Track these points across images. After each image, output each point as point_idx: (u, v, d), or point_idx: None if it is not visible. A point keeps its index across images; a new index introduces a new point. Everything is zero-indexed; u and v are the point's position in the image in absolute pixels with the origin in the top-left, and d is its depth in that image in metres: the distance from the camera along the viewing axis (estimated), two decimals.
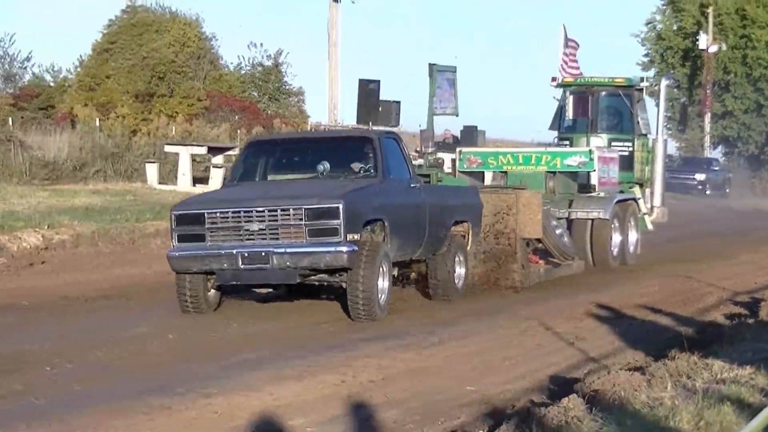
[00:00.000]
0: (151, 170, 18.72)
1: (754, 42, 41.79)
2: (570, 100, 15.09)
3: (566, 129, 15.31)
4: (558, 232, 12.60)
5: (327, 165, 9.61)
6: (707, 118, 41.93)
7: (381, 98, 19.60)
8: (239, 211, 9.18)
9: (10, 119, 22.57)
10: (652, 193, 15.05)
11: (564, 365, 7.67)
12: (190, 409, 5.84)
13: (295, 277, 9.05)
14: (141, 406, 5.78)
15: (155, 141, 23.32)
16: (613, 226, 13.71)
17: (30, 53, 32.99)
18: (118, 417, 5.51)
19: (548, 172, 13.66)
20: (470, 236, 11.07)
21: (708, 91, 41.46)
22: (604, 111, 14.94)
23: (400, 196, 10.05)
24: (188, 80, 29.04)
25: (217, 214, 9.20)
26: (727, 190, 39.52)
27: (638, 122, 14.82)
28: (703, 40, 40.52)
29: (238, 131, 21.23)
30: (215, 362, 7.42)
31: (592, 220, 13.50)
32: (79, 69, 30.40)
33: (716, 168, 41.13)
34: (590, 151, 13.64)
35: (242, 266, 9.00)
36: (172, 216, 9.58)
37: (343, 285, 9.07)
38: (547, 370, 7.37)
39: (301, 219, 8.86)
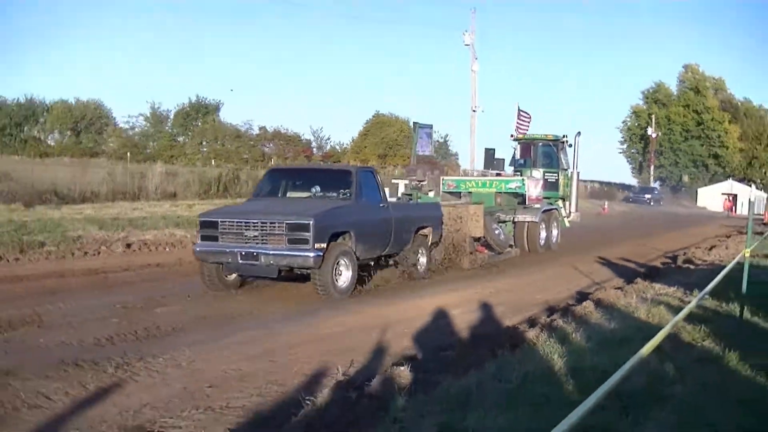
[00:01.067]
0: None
1: (674, 132, 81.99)
2: (519, 148, 22.55)
3: (518, 165, 22.42)
4: (497, 232, 18.28)
5: (318, 188, 12.98)
6: (652, 167, 79.92)
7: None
8: (241, 222, 11.61)
9: None
10: (569, 204, 22.38)
11: (583, 286, 13.79)
12: (400, 304, 11.49)
13: (275, 272, 11.46)
14: (365, 307, 11.57)
15: (389, 178, 30.60)
16: (541, 226, 20.24)
17: (329, 136, 67.85)
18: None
19: (497, 192, 20.07)
20: (431, 235, 14.76)
21: (652, 155, 79.69)
22: (541, 155, 21.95)
23: (367, 214, 12.77)
24: (403, 149, 59.70)
25: (227, 222, 11.73)
26: (661, 203, 68.73)
27: (562, 162, 22.04)
28: (650, 130, 78.13)
29: (426, 173, 28.48)
30: (413, 291, 13.07)
31: (528, 222, 20.01)
32: (351, 143, 68.04)
33: (656, 192, 73.32)
34: (522, 179, 20.34)
35: (240, 261, 11.52)
36: (199, 221, 12.38)
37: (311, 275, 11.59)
38: (574, 289, 13.43)
39: (283, 230, 11.23)
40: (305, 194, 13.15)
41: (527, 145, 22.31)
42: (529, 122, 25.95)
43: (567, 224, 22.42)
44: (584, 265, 17.01)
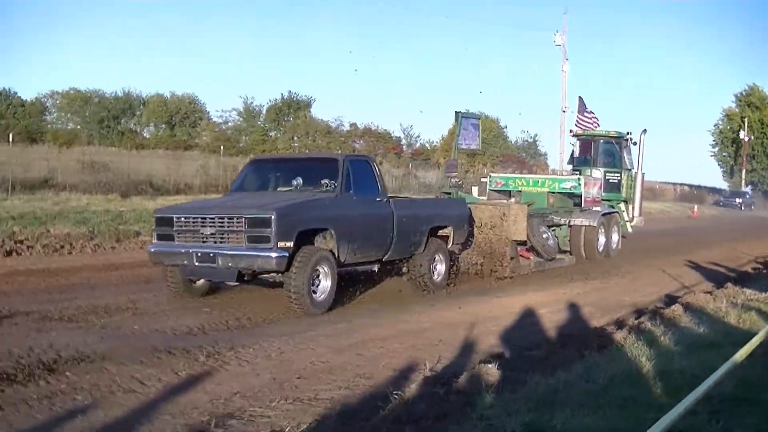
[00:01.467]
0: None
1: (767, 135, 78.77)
2: (579, 145, 21.03)
3: (578, 163, 20.84)
4: (545, 236, 15.81)
5: (300, 180, 11.02)
6: (743, 171, 77.53)
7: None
8: (197, 218, 10.05)
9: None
10: (632, 208, 20.38)
11: (672, 289, 13.36)
12: (486, 302, 11.44)
13: (234, 276, 9.82)
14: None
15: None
16: (600, 231, 18.30)
17: (419, 134, 65.69)
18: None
19: (549, 192, 18.44)
20: (453, 238, 12.76)
21: (744, 158, 77.55)
22: (602, 153, 20.36)
23: (356, 209, 10.83)
24: (491, 147, 55.93)
25: (182, 219, 10.18)
26: (753, 208, 66.76)
27: (625, 161, 20.34)
28: (742, 134, 76.16)
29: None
30: (499, 290, 13.13)
31: (584, 226, 18.00)
32: (440, 141, 60.86)
33: (747, 196, 71.66)
34: (578, 178, 18.42)
35: (196, 264, 9.87)
36: (154, 217, 10.85)
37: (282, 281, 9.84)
38: (663, 292, 13.00)
39: (241, 227, 9.63)
40: (287, 188, 11.31)
41: (587, 142, 20.85)
42: (593, 120, 23.58)
43: (629, 229, 20.55)
44: (673, 268, 16.36)
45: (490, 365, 6.80)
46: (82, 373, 6.53)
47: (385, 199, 11.52)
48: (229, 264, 9.70)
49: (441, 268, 12.47)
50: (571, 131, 22.25)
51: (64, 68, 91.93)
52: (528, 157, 61.05)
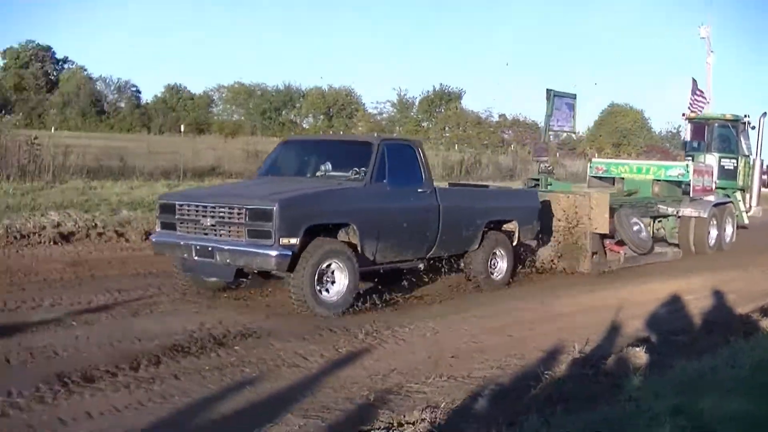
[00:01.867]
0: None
1: None
2: (691, 128, 19.20)
3: (690, 149, 19.00)
4: (635, 228, 14.04)
5: (329, 166, 9.82)
6: None
7: None
8: (199, 206, 8.94)
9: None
10: (750, 197, 18.45)
11: None
12: (631, 288, 11.24)
13: (232, 275, 8.72)
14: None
15: None
16: (711, 223, 16.37)
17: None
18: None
19: (655, 179, 16.66)
20: (519, 233, 11.33)
21: None
22: (716, 137, 18.32)
23: (389, 201, 9.48)
24: (636, 137, 62.10)
25: (184, 207, 9.11)
26: None
27: (742, 146, 18.36)
28: None
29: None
30: (645, 276, 13.06)
31: (694, 218, 16.13)
32: (586, 132, 65.57)
33: None
34: (687, 165, 16.58)
35: (196, 258, 8.83)
36: (158, 204, 9.67)
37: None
38: None
39: (242, 219, 8.44)
40: (315, 174, 10.09)
41: (700, 125, 18.82)
42: (702, 101, 21.30)
43: (746, 220, 18.50)
44: None
45: (637, 348, 6.85)
46: (249, 348, 6.94)
47: (429, 191, 9.99)
48: (227, 260, 8.51)
49: (502, 265, 11.08)
50: (683, 114, 20.26)
51: (229, 63, 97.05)
52: (672, 147, 58.84)
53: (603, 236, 12.92)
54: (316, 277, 8.43)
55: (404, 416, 5.19)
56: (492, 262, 10.94)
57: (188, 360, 6.50)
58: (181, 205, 9.14)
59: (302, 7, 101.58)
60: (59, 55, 70.69)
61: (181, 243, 8.96)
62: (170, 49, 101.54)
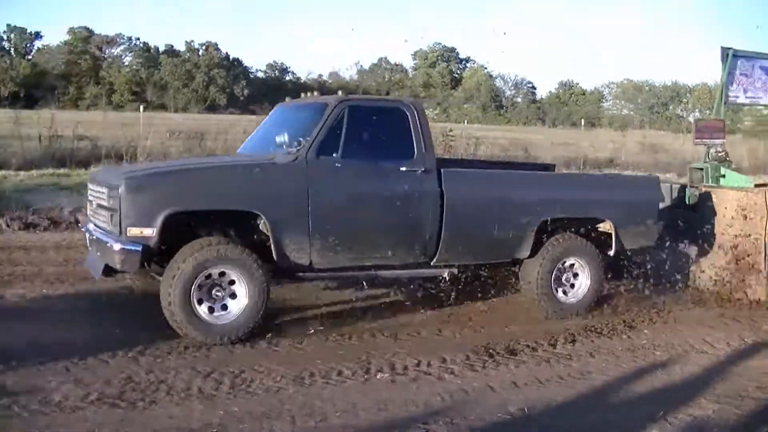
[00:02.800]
0: None
1: None
2: None
3: None
4: None
5: (286, 137, 7.12)
6: None
7: None
8: (89, 187, 7.44)
9: None
10: None
11: None
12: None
13: (99, 271, 6.77)
14: None
15: None
16: None
17: None
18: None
19: None
20: (624, 239, 8.17)
21: None
22: None
23: (337, 182, 6.92)
24: None
25: (89, 189, 7.43)
26: None
27: None
28: None
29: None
30: None
31: None
32: None
33: None
34: None
35: (90, 248, 7.31)
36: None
37: None
38: None
39: (106, 202, 6.64)
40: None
41: None
42: None
43: None
44: None
45: None
46: (657, 332, 7.38)
47: (421, 170, 7.19)
48: (98, 253, 6.86)
49: (582, 282, 8.03)
50: None
51: (620, 61, 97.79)
52: None
53: None
54: (193, 290, 6.35)
55: None
56: (563, 278, 8.02)
57: (601, 340, 7.08)
58: (89, 185, 7.51)
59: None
60: (462, 55, 79.65)
61: (83, 229, 7.70)
62: (563, 48, 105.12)
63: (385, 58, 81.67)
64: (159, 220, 6.27)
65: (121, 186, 6.31)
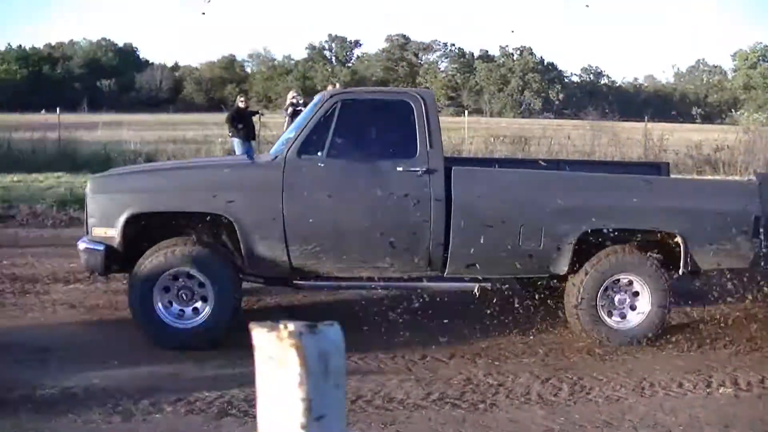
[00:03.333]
0: None
1: None
2: None
3: None
4: None
5: (293, 134, 6.75)
6: None
7: None
8: None
9: None
10: None
11: None
12: None
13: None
14: None
15: None
16: None
17: None
18: None
19: None
20: (686, 254, 6.49)
21: None
22: None
23: (315, 184, 6.28)
24: None
25: None
26: None
27: None
28: None
29: None
30: None
31: None
32: None
33: None
34: None
35: None
36: None
37: None
38: None
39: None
40: None
41: None
42: None
43: None
44: None
45: None
46: None
47: (423, 169, 6.32)
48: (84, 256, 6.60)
49: (642, 305, 6.58)
50: None
51: None
52: None
53: None
54: (156, 293, 6.14)
55: None
56: (615, 299, 6.63)
57: None
58: None
59: None
60: None
61: None
62: None
63: (703, 59, 78.21)
64: (120, 222, 6.11)
65: (87, 186, 6.44)
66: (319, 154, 6.32)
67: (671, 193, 7.03)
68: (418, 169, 6.30)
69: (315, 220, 6.20)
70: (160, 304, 6.14)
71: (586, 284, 6.48)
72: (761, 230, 6.51)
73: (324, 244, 6.25)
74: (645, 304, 6.53)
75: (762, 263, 6.60)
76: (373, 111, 6.74)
